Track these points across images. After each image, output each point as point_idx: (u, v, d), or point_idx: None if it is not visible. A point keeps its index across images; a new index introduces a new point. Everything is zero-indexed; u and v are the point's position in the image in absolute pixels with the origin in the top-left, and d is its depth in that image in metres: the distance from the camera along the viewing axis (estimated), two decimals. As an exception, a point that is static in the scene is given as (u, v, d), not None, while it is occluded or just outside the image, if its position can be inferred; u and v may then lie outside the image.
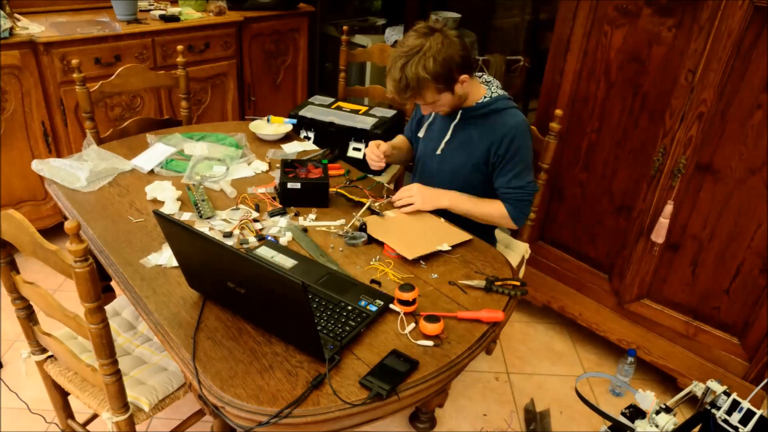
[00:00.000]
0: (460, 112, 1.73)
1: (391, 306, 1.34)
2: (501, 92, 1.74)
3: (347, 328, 1.25)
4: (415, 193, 1.70)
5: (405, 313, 1.33)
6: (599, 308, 2.32)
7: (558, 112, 1.88)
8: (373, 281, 1.43)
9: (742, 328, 1.96)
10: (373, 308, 1.31)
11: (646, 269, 2.12)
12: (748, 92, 1.74)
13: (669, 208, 1.96)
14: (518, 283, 1.44)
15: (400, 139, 2.03)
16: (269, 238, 1.56)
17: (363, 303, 1.33)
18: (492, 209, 1.75)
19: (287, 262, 1.44)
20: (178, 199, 1.69)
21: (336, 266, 1.47)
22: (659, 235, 2.00)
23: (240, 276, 1.19)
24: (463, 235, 1.63)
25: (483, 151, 1.72)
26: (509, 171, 1.72)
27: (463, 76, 1.60)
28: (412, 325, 1.30)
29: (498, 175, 1.74)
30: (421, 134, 1.88)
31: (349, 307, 1.31)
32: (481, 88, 1.74)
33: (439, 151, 1.79)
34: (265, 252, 1.48)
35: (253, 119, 2.20)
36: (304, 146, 2.08)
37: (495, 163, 1.73)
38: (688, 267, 2.03)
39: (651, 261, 2.10)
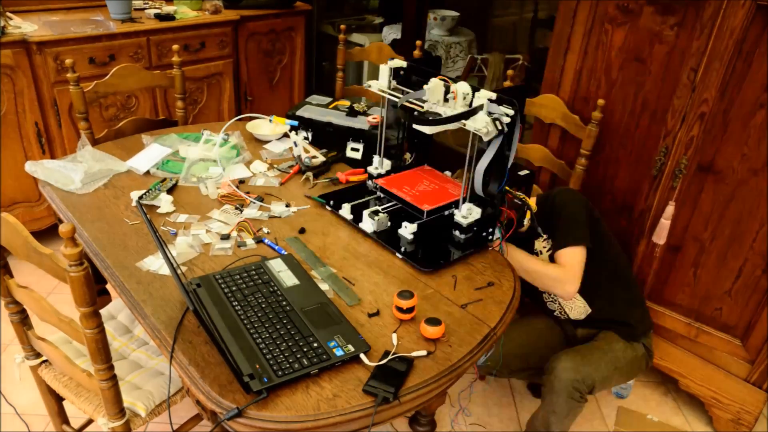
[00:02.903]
0: None
1: (394, 312, 1.31)
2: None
3: (297, 365, 1.14)
4: None
5: (403, 321, 1.29)
6: (599, 309, 2.31)
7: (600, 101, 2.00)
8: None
9: (744, 330, 1.95)
10: (339, 353, 1.17)
11: (647, 270, 2.10)
12: (750, 91, 1.73)
13: (670, 209, 1.94)
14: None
15: None
16: (265, 240, 1.54)
17: (332, 344, 1.19)
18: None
19: (289, 281, 1.37)
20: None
21: (330, 273, 1.44)
22: (660, 236, 1.98)
23: None
24: None
25: None
26: None
27: None
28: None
29: None
30: None
31: (315, 344, 1.19)
32: None
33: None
34: (275, 265, 1.42)
35: (255, 118, 2.17)
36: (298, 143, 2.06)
37: None
38: (690, 268, 2.01)
39: (652, 262, 2.08)
